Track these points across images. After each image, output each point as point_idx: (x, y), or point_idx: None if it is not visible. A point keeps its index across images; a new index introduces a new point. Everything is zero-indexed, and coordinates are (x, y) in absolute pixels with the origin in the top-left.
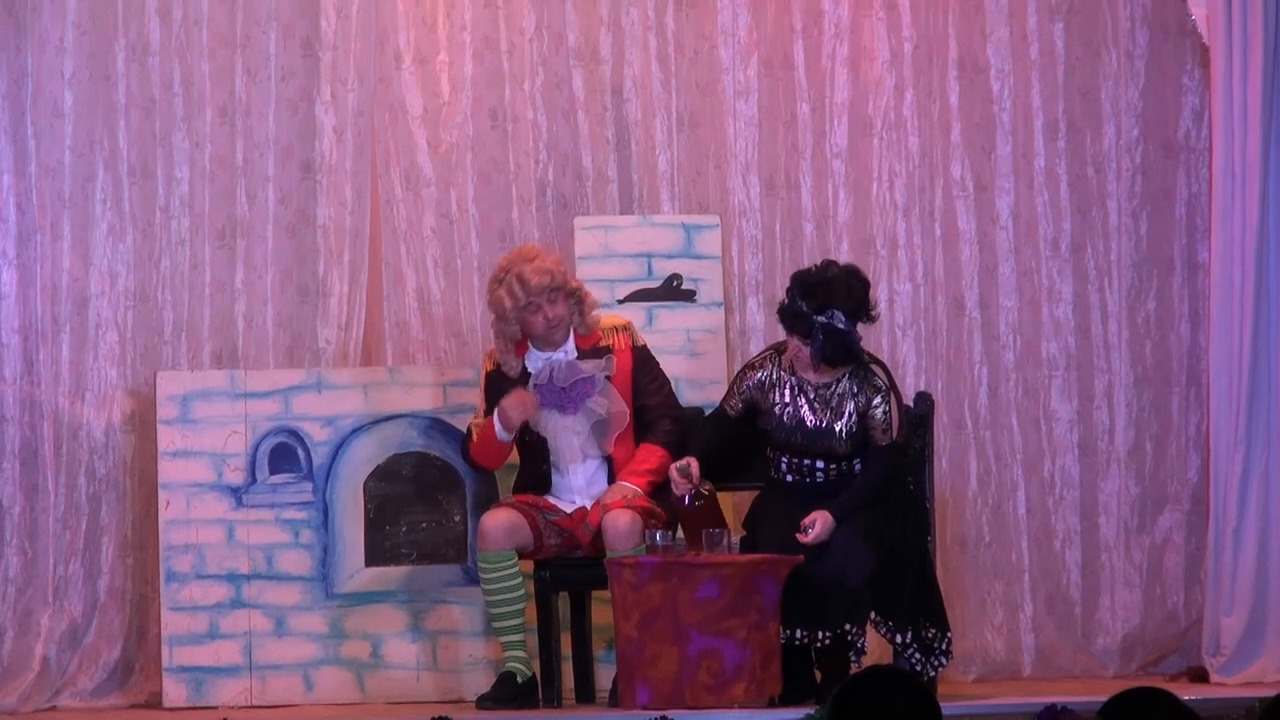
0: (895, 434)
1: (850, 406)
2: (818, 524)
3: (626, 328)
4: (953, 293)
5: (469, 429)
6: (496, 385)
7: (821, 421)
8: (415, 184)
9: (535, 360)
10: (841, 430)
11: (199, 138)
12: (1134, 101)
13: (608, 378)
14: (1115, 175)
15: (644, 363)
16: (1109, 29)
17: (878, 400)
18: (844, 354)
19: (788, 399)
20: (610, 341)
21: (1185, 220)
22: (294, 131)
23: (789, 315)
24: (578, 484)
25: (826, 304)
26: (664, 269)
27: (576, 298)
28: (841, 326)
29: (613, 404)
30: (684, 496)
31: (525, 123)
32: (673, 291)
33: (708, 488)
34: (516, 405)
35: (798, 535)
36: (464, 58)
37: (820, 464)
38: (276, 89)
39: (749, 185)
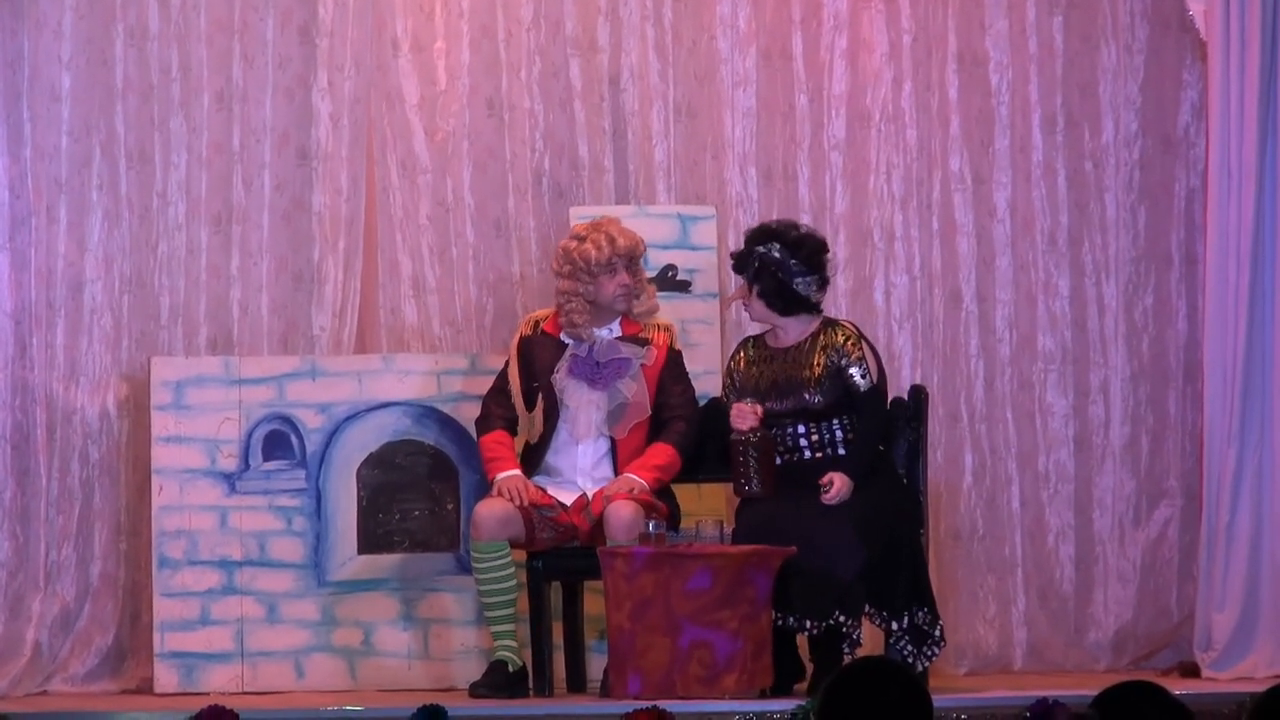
0: (874, 378)
1: (817, 357)
2: (836, 482)
3: (669, 329)
4: (949, 286)
5: (498, 399)
6: (529, 350)
7: (791, 373)
8: (411, 172)
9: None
10: (809, 378)
11: (196, 123)
12: (1133, 96)
13: (642, 366)
14: (1113, 170)
15: (675, 365)
16: (1108, 23)
17: (848, 346)
18: (780, 286)
19: (760, 366)
20: (651, 336)
21: (1184, 215)
22: (290, 118)
23: (733, 257)
24: (583, 463)
25: (768, 239)
26: (659, 259)
27: (641, 282)
28: (778, 255)
29: (639, 393)
30: (748, 429)
31: (522, 111)
32: (668, 282)
33: (764, 432)
34: (516, 493)
35: (822, 497)
36: (461, 46)
37: (800, 429)
38: (273, 75)
39: (746, 176)
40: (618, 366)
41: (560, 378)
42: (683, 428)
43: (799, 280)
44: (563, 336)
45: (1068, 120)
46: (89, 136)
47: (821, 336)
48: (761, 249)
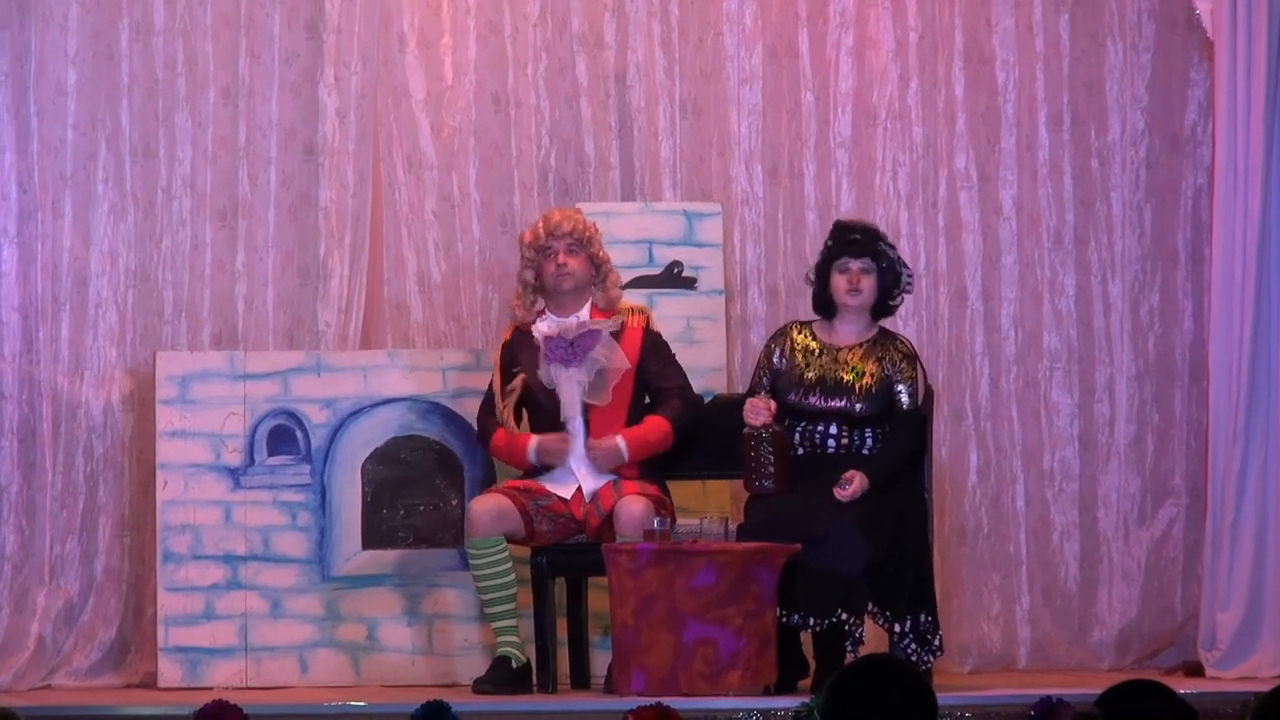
0: (919, 399)
1: (872, 367)
2: (855, 481)
3: (644, 311)
4: (955, 284)
5: (490, 409)
6: (511, 353)
7: (840, 376)
8: (417, 167)
9: (550, 322)
10: (860, 386)
11: (201, 118)
12: (1139, 94)
13: (614, 334)
14: (1120, 168)
15: (656, 347)
16: (1115, 21)
17: (904, 365)
18: (887, 289)
19: (808, 358)
20: (625, 320)
21: (1190, 214)
22: (297, 113)
23: (841, 244)
24: (577, 449)
25: (887, 241)
26: (665, 256)
27: (602, 272)
28: (897, 259)
29: (615, 357)
30: (762, 425)
31: (528, 108)
32: (673, 279)
33: (777, 427)
34: (558, 452)
35: (835, 489)
36: (467, 42)
37: (833, 429)
38: (280, 71)
39: (752, 173)
40: (588, 339)
41: (544, 370)
42: (678, 405)
43: (900, 293)
44: (535, 332)
45: (1074, 118)
46: (94, 131)
47: (879, 347)
48: (886, 247)
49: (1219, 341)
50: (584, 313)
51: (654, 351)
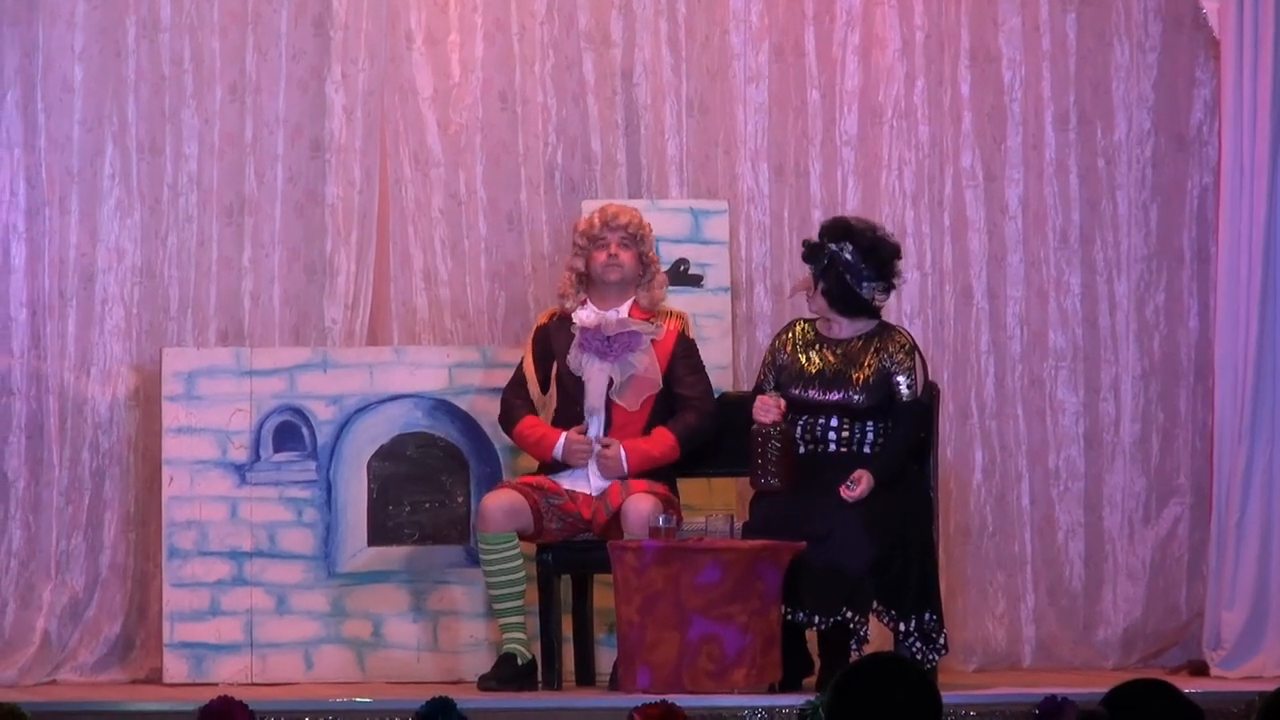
0: (919, 390)
1: (870, 359)
2: (862, 481)
3: (682, 317)
4: (961, 282)
5: (516, 391)
6: (546, 336)
7: (839, 368)
8: (424, 165)
9: (590, 312)
10: (859, 378)
11: (208, 115)
12: (1145, 94)
13: (653, 341)
14: (1126, 167)
15: (687, 353)
16: (1121, 21)
17: (901, 356)
18: (845, 289)
19: (808, 352)
20: (663, 322)
21: (1195, 213)
22: (304, 110)
23: (806, 246)
24: (593, 445)
25: (843, 238)
26: (671, 254)
27: (649, 272)
28: (849, 258)
29: (650, 369)
30: (771, 422)
31: (535, 105)
32: (680, 276)
33: (785, 425)
34: (582, 454)
35: (842, 489)
36: (475, 39)
37: (834, 422)
38: (287, 67)
39: (758, 171)
40: (627, 340)
41: (574, 356)
42: (692, 419)
43: (865, 285)
44: (575, 319)
45: (1080, 117)
46: (101, 127)
47: (876, 339)
48: (834, 247)
49: (1224, 341)
50: (624, 309)
51: (683, 358)
